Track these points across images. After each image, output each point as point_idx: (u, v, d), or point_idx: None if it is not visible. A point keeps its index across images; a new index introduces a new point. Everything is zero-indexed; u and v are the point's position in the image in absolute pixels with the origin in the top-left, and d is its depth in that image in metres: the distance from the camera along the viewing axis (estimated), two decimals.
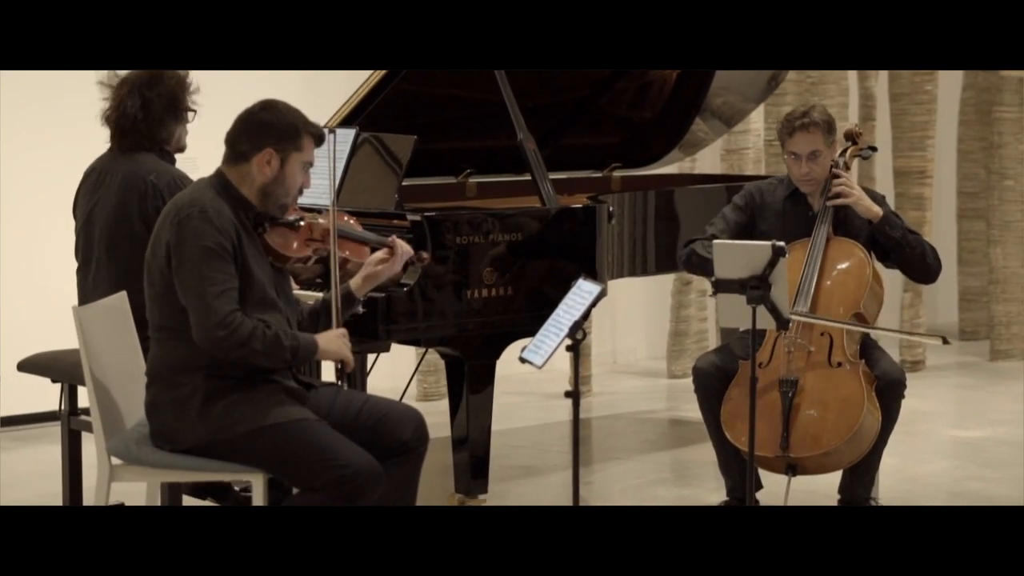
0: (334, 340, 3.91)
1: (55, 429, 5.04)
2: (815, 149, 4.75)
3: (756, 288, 4.19)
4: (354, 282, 4.06)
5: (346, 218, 4.19)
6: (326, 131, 3.98)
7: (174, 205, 3.81)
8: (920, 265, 4.81)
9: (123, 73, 4.70)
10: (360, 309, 4.36)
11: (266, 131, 3.83)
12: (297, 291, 4.22)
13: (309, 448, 3.76)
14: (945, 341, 4.58)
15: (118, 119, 4.64)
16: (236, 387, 3.78)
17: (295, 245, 3.91)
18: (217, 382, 3.77)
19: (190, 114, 4.69)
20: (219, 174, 3.87)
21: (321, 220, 4.01)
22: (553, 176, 5.14)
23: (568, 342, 3.98)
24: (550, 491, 5.44)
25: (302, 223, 3.95)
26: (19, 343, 5.45)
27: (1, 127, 6.35)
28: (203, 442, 3.78)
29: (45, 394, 5.07)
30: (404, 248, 4.11)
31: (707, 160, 7.59)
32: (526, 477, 5.71)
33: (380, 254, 4.09)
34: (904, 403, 4.70)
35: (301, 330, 3.96)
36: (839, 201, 4.76)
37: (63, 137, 6.37)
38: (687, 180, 6.64)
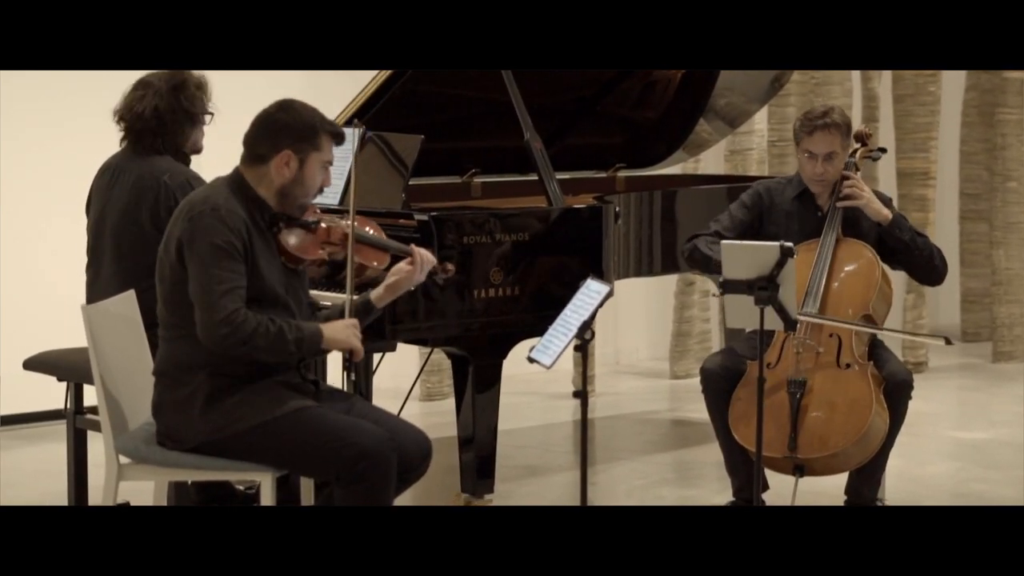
0: (342, 329, 3.84)
1: (57, 427, 5.03)
2: (832, 150, 4.74)
3: (764, 289, 4.19)
4: (375, 292, 4.01)
5: (368, 228, 4.12)
6: (347, 129, 3.93)
7: (188, 202, 3.80)
8: (927, 267, 4.82)
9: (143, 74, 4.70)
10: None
11: (284, 132, 3.80)
12: (313, 291, 4.20)
13: (312, 435, 3.75)
14: (948, 342, 4.60)
15: (132, 121, 4.62)
16: (238, 386, 3.76)
17: (309, 247, 3.87)
18: (220, 380, 3.76)
19: (207, 117, 4.68)
20: (236, 173, 3.85)
21: (342, 223, 3.95)
22: (557, 176, 5.13)
23: (576, 342, 3.98)
24: (555, 491, 5.43)
25: (321, 225, 3.90)
26: (20, 341, 5.45)
27: (1, 126, 6.33)
28: (206, 441, 3.77)
29: (47, 392, 5.05)
30: (426, 257, 4.03)
31: (710, 161, 7.58)
32: (531, 477, 5.70)
33: (403, 264, 4.02)
34: None
35: None
36: (849, 203, 4.76)
37: (64, 135, 6.37)
38: (691, 181, 6.63)
